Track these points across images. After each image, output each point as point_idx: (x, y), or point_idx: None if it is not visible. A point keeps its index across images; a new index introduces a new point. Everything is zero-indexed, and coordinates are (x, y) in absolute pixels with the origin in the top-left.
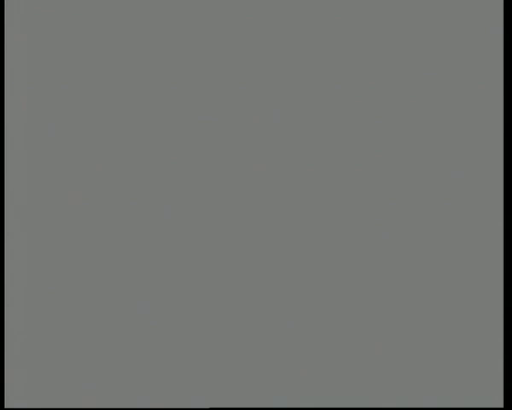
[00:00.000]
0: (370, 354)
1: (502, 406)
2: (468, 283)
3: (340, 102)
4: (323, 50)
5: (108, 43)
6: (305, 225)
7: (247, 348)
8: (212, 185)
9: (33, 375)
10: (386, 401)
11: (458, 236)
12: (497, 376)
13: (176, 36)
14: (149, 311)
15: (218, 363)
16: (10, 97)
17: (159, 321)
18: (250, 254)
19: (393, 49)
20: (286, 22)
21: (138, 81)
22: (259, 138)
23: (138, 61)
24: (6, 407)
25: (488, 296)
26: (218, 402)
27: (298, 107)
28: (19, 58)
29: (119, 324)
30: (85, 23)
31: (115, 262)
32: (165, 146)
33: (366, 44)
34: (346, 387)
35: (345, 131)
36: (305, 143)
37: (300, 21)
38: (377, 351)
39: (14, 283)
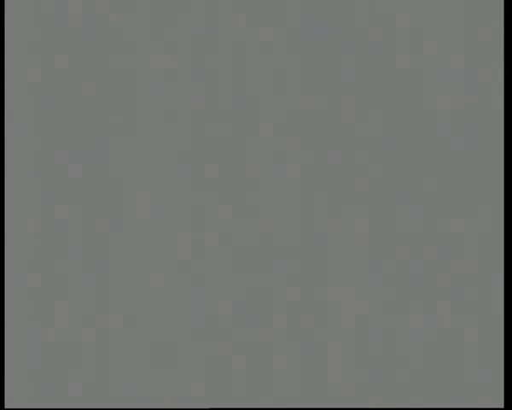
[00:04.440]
0: (370, 354)
1: (502, 406)
2: (469, 283)
3: (339, 103)
4: (323, 50)
5: (108, 42)
6: (304, 226)
7: (247, 348)
8: (212, 185)
9: (33, 375)
10: (385, 401)
11: (458, 236)
12: (497, 376)
13: (175, 36)
14: (148, 311)
15: (218, 363)
16: (10, 97)
17: (158, 321)
18: (250, 254)
19: (393, 48)
20: (286, 22)
21: (138, 81)
22: (259, 138)
23: (138, 61)
24: (6, 407)
25: (488, 296)
26: (218, 402)
27: (298, 107)
28: (19, 58)
29: (119, 324)
30: (85, 23)
31: (115, 262)
32: (164, 146)
33: (366, 44)
34: (346, 387)
35: (344, 130)
36: (304, 143)
37: (300, 20)
38: (377, 351)
39: (14, 283)
